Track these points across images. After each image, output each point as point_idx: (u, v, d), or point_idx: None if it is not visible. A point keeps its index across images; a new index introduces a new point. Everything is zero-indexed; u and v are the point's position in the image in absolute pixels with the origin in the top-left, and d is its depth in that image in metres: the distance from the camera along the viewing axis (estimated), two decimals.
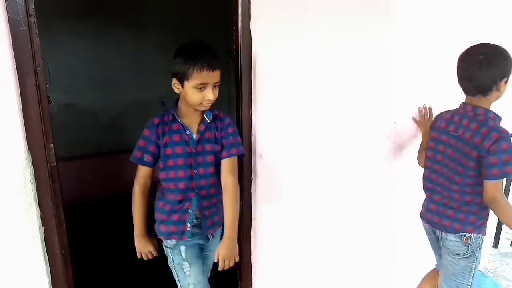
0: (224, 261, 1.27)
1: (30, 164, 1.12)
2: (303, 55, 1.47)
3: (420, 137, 1.71)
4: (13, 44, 1.04)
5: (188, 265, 1.35)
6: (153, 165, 1.35)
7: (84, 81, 2.71)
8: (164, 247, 1.40)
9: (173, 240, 1.33)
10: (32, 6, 1.06)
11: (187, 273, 1.35)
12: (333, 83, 1.57)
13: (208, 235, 1.37)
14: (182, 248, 1.33)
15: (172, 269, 1.40)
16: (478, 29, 1.79)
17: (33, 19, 1.06)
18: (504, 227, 2.67)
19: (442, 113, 1.51)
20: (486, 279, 2.13)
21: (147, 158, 1.32)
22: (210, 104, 1.23)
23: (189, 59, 1.17)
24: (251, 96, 1.41)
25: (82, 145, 2.81)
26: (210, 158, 1.30)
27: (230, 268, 1.30)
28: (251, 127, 1.44)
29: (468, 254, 1.43)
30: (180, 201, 1.30)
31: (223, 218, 1.31)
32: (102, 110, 2.85)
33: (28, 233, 1.16)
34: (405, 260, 1.96)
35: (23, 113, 1.09)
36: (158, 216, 1.36)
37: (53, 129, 1.17)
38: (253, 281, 1.63)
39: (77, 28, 2.59)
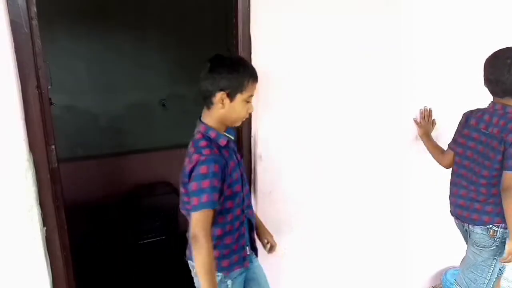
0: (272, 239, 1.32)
1: (32, 165, 1.13)
2: (302, 57, 1.47)
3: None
4: (14, 47, 1.05)
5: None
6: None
7: (85, 83, 2.71)
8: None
9: (236, 271, 1.22)
10: (34, 9, 1.07)
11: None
12: (333, 85, 1.57)
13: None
14: (229, 282, 1.22)
15: None
16: (490, 31, 1.79)
17: (34, 22, 1.07)
18: None
19: (472, 111, 1.53)
20: None
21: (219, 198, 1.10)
22: None
23: (245, 71, 1.11)
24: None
25: (83, 146, 2.81)
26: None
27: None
28: (250, 128, 1.45)
29: (493, 247, 1.47)
30: (237, 229, 1.19)
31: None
32: (103, 112, 2.85)
33: (29, 234, 1.16)
34: (416, 260, 1.96)
35: (25, 115, 1.10)
36: (216, 253, 1.15)
37: (54, 130, 1.18)
38: None
39: (78, 30, 2.59)
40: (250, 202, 1.27)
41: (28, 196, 1.13)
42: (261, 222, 1.35)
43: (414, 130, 1.80)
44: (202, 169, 1.06)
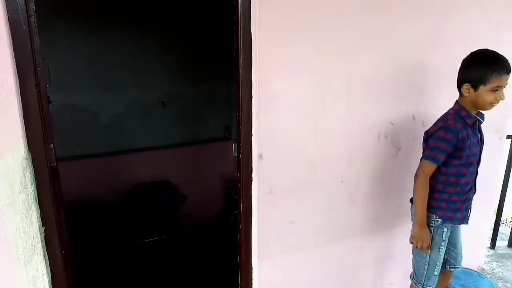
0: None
1: (30, 164, 1.12)
2: (303, 55, 1.47)
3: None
4: (13, 44, 1.04)
5: (444, 246, 1.57)
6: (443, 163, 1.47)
7: (84, 81, 2.70)
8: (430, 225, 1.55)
9: (455, 225, 1.57)
10: (32, 6, 1.06)
11: (440, 253, 1.57)
12: (334, 84, 1.57)
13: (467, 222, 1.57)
14: (444, 230, 1.54)
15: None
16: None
17: (33, 19, 1.06)
18: (501, 228, 2.69)
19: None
20: (483, 280, 2.14)
21: (444, 159, 1.45)
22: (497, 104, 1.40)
23: (491, 65, 1.34)
24: (251, 96, 1.41)
25: (82, 145, 2.81)
26: (479, 157, 1.51)
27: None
28: (251, 127, 1.44)
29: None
30: (466, 193, 1.51)
31: None
32: (102, 110, 2.84)
33: (28, 233, 1.16)
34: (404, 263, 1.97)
35: (23, 113, 1.09)
36: (443, 206, 1.52)
37: (53, 129, 1.17)
38: (253, 280, 1.63)
39: (77, 28, 2.58)
40: (475, 176, 1.52)
41: (27, 195, 1.13)
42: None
43: (408, 129, 1.80)
44: (442, 133, 1.42)
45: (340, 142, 1.66)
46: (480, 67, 1.36)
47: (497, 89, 1.35)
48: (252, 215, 1.54)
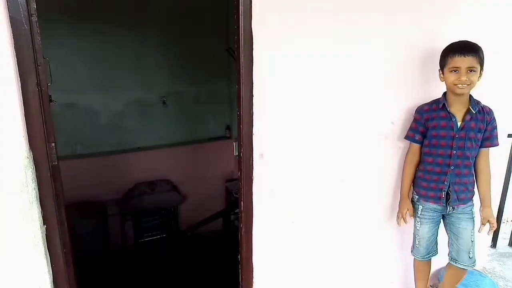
0: (489, 221, 1.65)
1: (32, 163, 1.12)
2: (305, 54, 1.47)
3: None
4: (14, 43, 1.04)
5: (419, 223, 1.72)
6: (421, 143, 1.65)
7: (85, 80, 2.70)
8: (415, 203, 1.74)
9: (428, 203, 1.68)
10: (33, 5, 1.06)
11: (418, 228, 1.73)
12: (335, 83, 1.57)
13: (451, 207, 1.64)
14: (419, 207, 1.70)
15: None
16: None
17: (34, 18, 1.06)
18: (502, 227, 2.68)
19: None
20: (484, 279, 2.14)
21: (417, 137, 1.65)
22: (466, 87, 1.49)
23: (447, 49, 1.53)
24: (252, 96, 1.41)
25: (83, 144, 2.81)
26: (470, 144, 1.57)
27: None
28: (252, 126, 1.44)
29: None
30: (438, 173, 1.62)
31: (468, 198, 1.64)
32: (103, 109, 2.84)
33: (29, 231, 1.16)
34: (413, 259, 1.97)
35: (25, 112, 1.09)
36: (419, 183, 1.69)
37: (54, 128, 1.17)
38: (254, 279, 1.63)
39: (78, 27, 2.59)
40: (461, 164, 1.59)
41: (28, 193, 1.13)
42: (485, 204, 1.66)
43: (403, 132, 1.80)
44: (414, 114, 1.68)
45: (340, 141, 1.66)
46: (442, 53, 1.56)
47: (455, 69, 1.49)
48: (253, 214, 1.54)
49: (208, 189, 3.16)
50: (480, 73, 1.50)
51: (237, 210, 1.66)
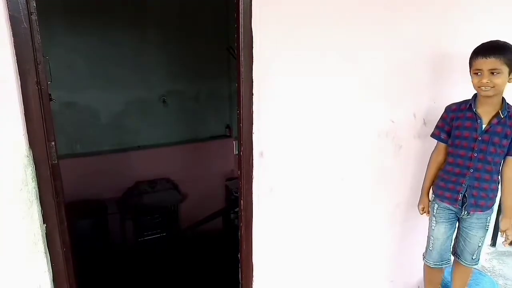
0: (505, 232, 1.61)
1: (31, 161, 1.12)
2: (305, 53, 1.47)
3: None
4: (14, 42, 1.04)
5: (435, 222, 1.70)
6: (447, 142, 1.64)
7: (85, 79, 2.70)
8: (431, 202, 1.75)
9: (444, 203, 1.66)
10: (33, 4, 1.05)
11: (433, 227, 1.72)
12: (336, 82, 1.57)
13: (466, 211, 1.61)
14: (435, 206, 1.70)
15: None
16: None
17: (34, 17, 1.06)
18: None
19: None
20: (484, 278, 2.14)
21: (443, 136, 1.64)
22: (489, 89, 1.44)
23: (474, 51, 1.49)
24: (252, 94, 1.41)
25: (83, 143, 2.81)
26: (493, 149, 1.52)
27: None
28: (252, 125, 1.44)
29: None
30: (457, 175, 1.60)
31: (487, 206, 1.60)
32: (103, 108, 2.84)
33: (29, 230, 1.16)
34: (413, 257, 1.97)
35: (24, 111, 1.09)
36: (437, 182, 1.70)
37: (54, 127, 1.17)
38: (254, 278, 1.63)
39: (78, 26, 2.58)
40: (481, 168, 1.55)
41: (28, 192, 1.13)
42: (506, 214, 1.60)
43: (409, 127, 1.80)
44: (443, 112, 1.66)
45: (340, 140, 1.66)
46: (470, 55, 1.53)
47: (478, 72, 1.46)
48: (253, 213, 1.55)
49: (208, 188, 3.16)
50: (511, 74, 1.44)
51: (237, 209, 1.66)
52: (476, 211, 1.61)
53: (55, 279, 1.26)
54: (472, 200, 1.59)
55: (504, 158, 1.55)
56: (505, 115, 1.48)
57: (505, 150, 1.52)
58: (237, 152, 1.51)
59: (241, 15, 1.32)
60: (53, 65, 1.16)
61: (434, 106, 1.83)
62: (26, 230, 1.16)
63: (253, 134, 1.45)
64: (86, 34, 2.63)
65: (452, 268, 1.83)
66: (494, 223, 2.59)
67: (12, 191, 1.11)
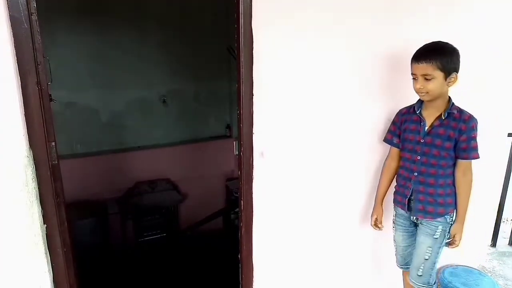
0: (454, 236, 1.51)
1: (32, 162, 1.12)
2: (305, 53, 1.47)
3: None
4: (14, 42, 1.04)
5: (394, 227, 1.67)
6: (399, 146, 1.59)
7: (85, 79, 2.70)
8: None
9: (398, 208, 1.62)
10: (34, 4, 1.06)
11: (394, 233, 1.68)
12: (335, 81, 1.57)
13: (414, 217, 1.55)
14: (394, 212, 1.66)
15: None
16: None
17: (34, 17, 1.06)
18: (501, 226, 2.69)
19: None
20: (484, 278, 2.14)
21: (395, 140, 1.59)
22: (424, 94, 1.40)
23: (413, 55, 1.42)
24: (253, 94, 1.41)
25: (83, 143, 2.81)
26: (435, 152, 1.45)
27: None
28: (252, 125, 1.44)
29: None
30: (405, 178, 1.55)
31: (437, 212, 1.49)
32: (103, 108, 2.84)
33: (30, 230, 1.16)
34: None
35: (25, 111, 1.09)
36: (395, 186, 1.64)
37: (55, 127, 1.17)
38: (254, 278, 1.63)
39: (78, 26, 2.58)
40: (425, 171, 1.48)
41: (28, 193, 1.13)
42: (458, 218, 1.50)
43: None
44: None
45: (340, 139, 1.66)
46: None
47: (414, 76, 1.42)
48: (253, 213, 1.55)
49: (208, 188, 3.16)
50: (451, 78, 1.36)
51: (237, 209, 1.66)
52: (425, 217, 1.51)
53: (56, 280, 1.26)
54: (418, 205, 1.51)
55: (455, 161, 1.46)
56: (446, 116, 1.41)
57: (450, 152, 1.43)
58: (237, 153, 1.51)
59: (241, 15, 1.32)
60: (53, 65, 1.16)
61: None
62: (26, 231, 1.16)
63: (253, 135, 1.45)
64: (87, 34, 2.63)
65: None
66: (494, 223, 2.59)
67: (12, 192, 1.11)
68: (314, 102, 1.55)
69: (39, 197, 1.16)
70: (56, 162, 1.19)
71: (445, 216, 1.50)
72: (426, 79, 1.36)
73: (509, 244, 2.74)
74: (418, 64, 1.37)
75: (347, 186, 1.74)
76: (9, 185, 1.11)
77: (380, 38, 1.61)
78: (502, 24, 1.90)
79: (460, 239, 1.52)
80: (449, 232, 1.52)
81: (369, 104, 1.67)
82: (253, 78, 1.39)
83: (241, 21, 1.33)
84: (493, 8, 1.86)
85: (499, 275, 2.38)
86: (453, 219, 1.51)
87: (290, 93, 1.48)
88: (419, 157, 1.49)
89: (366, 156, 1.74)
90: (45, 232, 1.20)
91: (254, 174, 1.49)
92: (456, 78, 1.37)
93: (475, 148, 1.41)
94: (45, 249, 1.20)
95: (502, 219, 2.68)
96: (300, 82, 1.50)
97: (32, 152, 1.12)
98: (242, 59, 1.36)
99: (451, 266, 2.22)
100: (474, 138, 1.41)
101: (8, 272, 1.18)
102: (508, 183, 2.48)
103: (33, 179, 1.13)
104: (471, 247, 2.35)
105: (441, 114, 1.43)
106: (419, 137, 1.48)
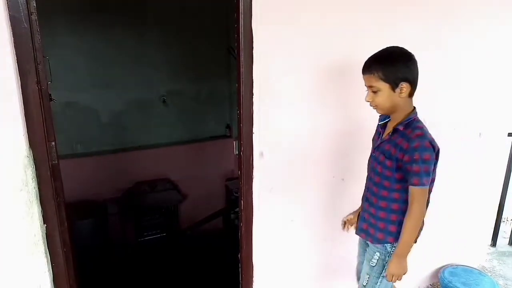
0: (392, 276, 1.30)
1: (32, 162, 1.12)
2: (304, 54, 1.47)
3: None
4: (14, 42, 1.04)
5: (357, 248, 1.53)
6: None
7: (85, 79, 2.70)
8: None
9: None
10: (33, 4, 1.06)
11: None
12: (335, 82, 1.57)
13: (363, 239, 1.44)
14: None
15: None
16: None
17: (34, 17, 1.06)
18: (501, 226, 2.69)
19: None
20: (484, 278, 2.14)
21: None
22: (375, 107, 1.27)
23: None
24: (252, 94, 1.41)
25: (83, 143, 2.81)
26: (379, 168, 1.30)
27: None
28: (252, 125, 1.44)
29: None
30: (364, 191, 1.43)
31: (377, 237, 1.34)
32: (103, 108, 2.84)
33: (29, 231, 1.16)
34: (413, 258, 1.97)
35: (25, 111, 1.09)
36: None
37: (54, 127, 1.17)
38: (254, 278, 1.63)
39: (78, 26, 2.58)
40: (371, 188, 1.36)
41: (28, 193, 1.13)
42: (396, 251, 1.30)
43: None
44: None
45: (340, 140, 1.66)
46: None
47: (366, 88, 1.26)
48: (253, 213, 1.55)
49: (208, 188, 3.16)
50: (401, 89, 1.19)
51: (237, 209, 1.66)
52: (367, 239, 1.40)
53: (55, 280, 1.26)
54: (362, 224, 1.41)
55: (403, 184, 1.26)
56: (393, 131, 1.25)
57: (393, 172, 1.24)
58: (237, 152, 1.51)
59: (241, 16, 1.32)
60: (53, 65, 1.16)
61: (435, 106, 1.83)
62: (26, 231, 1.16)
63: (253, 134, 1.45)
64: (86, 34, 2.63)
65: None
66: (494, 223, 2.59)
67: (12, 192, 1.11)
68: (314, 102, 1.55)
69: (39, 197, 1.16)
70: (56, 162, 1.19)
71: (385, 244, 1.33)
72: (373, 92, 1.23)
73: (509, 243, 2.74)
74: (363, 75, 1.24)
75: (348, 184, 1.74)
76: (9, 185, 1.11)
77: (381, 37, 1.61)
78: (501, 24, 1.90)
79: (398, 277, 1.29)
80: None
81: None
82: (253, 78, 1.39)
83: (241, 21, 1.33)
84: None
85: (499, 275, 2.38)
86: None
87: (290, 93, 1.48)
88: (368, 172, 1.39)
89: (367, 156, 1.74)
90: (45, 232, 1.20)
91: (254, 174, 1.49)
92: (407, 87, 1.19)
93: (417, 173, 1.18)
94: (45, 249, 1.20)
95: (502, 219, 2.68)
96: (301, 82, 1.50)
97: (32, 152, 1.12)
98: (242, 59, 1.36)
99: (451, 265, 2.22)
100: (417, 161, 1.16)
101: (8, 272, 1.18)
102: (508, 182, 2.48)
103: (33, 179, 1.13)
104: (471, 247, 2.36)
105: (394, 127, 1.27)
106: (373, 150, 1.37)
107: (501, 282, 2.30)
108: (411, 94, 1.24)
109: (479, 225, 2.31)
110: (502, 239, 2.76)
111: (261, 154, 1.48)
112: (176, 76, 3.03)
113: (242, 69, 1.37)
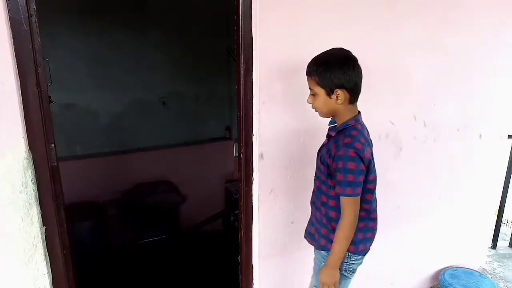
0: (323, 285, 1.26)
1: (31, 164, 1.12)
2: (303, 55, 1.47)
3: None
4: (14, 44, 1.04)
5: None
6: None
7: (85, 81, 2.70)
8: None
9: None
10: (33, 6, 1.06)
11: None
12: None
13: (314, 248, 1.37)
14: None
15: None
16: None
17: (34, 19, 1.06)
18: (502, 228, 2.68)
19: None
20: (485, 280, 2.14)
21: None
22: (315, 110, 1.23)
23: None
24: (252, 96, 1.41)
25: (82, 145, 2.81)
26: (318, 172, 1.27)
27: None
28: (251, 127, 1.44)
29: None
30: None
31: (320, 243, 1.30)
32: (103, 110, 2.84)
33: (29, 233, 1.16)
34: (414, 260, 1.96)
35: (24, 113, 1.09)
36: None
37: (54, 129, 1.17)
38: (254, 281, 1.63)
39: (78, 27, 2.58)
40: (314, 193, 1.33)
41: (28, 195, 1.13)
42: (327, 260, 1.26)
43: (409, 129, 1.79)
44: None
45: None
46: None
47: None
48: (253, 215, 1.54)
49: (208, 190, 3.16)
50: (336, 96, 1.14)
51: (237, 211, 1.66)
52: (313, 244, 1.35)
53: (55, 282, 1.25)
54: (311, 228, 1.36)
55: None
56: (329, 134, 1.24)
57: (326, 178, 1.22)
58: (237, 154, 1.51)
59: (241, 18, 1.32)
60: (53, 67, 1.16)
61: (435, 108, 1.84)
62: (25, 233, 1.15)
63: (253, 136, 1.45)
64: (86, 36, 2.63)
65: None
66: (494, 225, 2.59)
67: (12, 194, 1.11)
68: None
69: (39, 199, 1.16)
70: (56, 164, 1.19)
71: (328, 252, 1.26)
72: (313, 95, 1.20)
73: (509, 246, 2.74)
74: (308, 76, 1.20)
75: None
76: (9, 187, 1.10)
77: (382, 38, 1.61)
78: (500, 26, 1.90)
79: (328, 286, 1.24)
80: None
81: (369, 105, 1.67)
82: (253, 80, 1.39)
83: (241, 22, 1.33)
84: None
85: (500, 277, 2.37)
86: None
87: (290, 95, 1.48)
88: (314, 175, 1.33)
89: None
90: (44, 234, 1.19)
91: (254, 176, 1.49)
92: (343, 94, 1.13)
93: (340, 182, 1.14)
94: (44, 251, 1.20)
95: (503, 221, 2.68)
96: (300, 83, 1.50)
97: (32, 154, 1.12)
98: (242, 61, 1.36)
99: (451, 268, 2.21)
100: (341, 170, 1.13)
101: (7, 275, 1.17)
102: (509, 184, 2.48)
103: (33, 181, 1.13)
104: (471, 249, 2.35)
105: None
106: (320, 155, 1.29)
107: (501, 284, 2.29)
108: (351, 101, 1.17)
109: (479, 227, 2.31)
110: (503, 241, 2.76)
111: (261, 156, 1.48)
112: (176, 78, 3.03)
113: (242, 71, 1.38)
